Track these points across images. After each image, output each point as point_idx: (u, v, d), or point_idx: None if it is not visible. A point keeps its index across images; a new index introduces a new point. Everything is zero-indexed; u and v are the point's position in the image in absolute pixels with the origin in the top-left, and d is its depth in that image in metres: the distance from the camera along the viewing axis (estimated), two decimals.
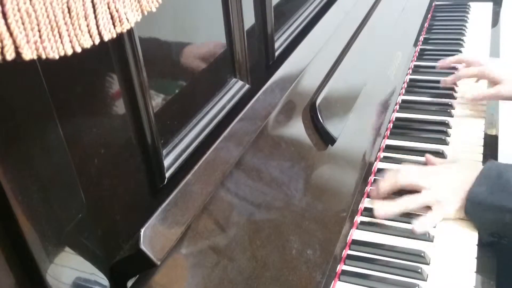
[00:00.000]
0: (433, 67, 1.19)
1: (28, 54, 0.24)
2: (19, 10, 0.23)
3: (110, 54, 0.42)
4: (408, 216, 0.77)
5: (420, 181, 0.78)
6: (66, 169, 0.37)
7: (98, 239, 0.42)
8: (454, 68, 1.09)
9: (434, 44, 1.30)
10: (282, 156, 0.66)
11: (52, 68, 0.34)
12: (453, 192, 0.76)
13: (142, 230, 0.43)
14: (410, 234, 0.75)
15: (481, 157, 0.89)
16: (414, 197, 0.77)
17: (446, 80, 1.03)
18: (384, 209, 0.78)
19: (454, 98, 1.06)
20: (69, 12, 0.26)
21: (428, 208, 0.77)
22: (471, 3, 1.48)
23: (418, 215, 0.77)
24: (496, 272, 0.69)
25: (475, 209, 0.73)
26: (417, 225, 0.75)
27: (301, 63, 0.75)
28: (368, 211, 0.79)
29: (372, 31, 1.01)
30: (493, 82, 0.96)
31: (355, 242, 0.74)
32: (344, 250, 0.72)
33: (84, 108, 0.40)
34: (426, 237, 0.74)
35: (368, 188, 0.84)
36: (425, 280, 0.68)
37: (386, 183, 0.80)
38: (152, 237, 0.44)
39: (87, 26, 0.27)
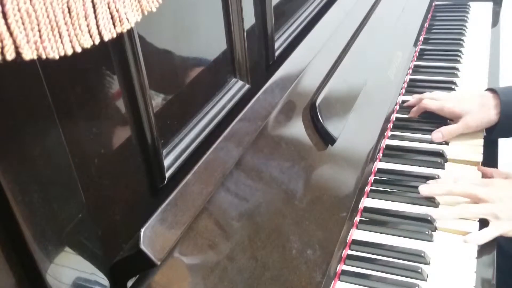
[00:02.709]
0: (433, 67, 1.19)
1: (28, 54, 0.24)
2: (19, 10, 0.23)
3: (110, 54, 0.42)
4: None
5: (479, 193, 0.76)
6: (66, 169, 0.37)
7: (98, 239, 0.42)
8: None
9: (434, 44, 1.30)
10: (282, 156, 0.66)
11: (52, 68, 0.34)
12: None
13: (142, 230, 0.43)
14: (410, 234, 0.75)
15: (481, 158, 0.89)
16: (472, 207, 0.76)
17: (412, 111, 1.02)
18: (439, 213, 0.77)
19: None
20: (69, 12, 0.26)
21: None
22: (471, 3, 1.48)
23: None
24: (496, 272, 0.69)
25: None
26: (474, 236, 0.73)
27: (301, 63, 0.75)
28: (368, 211, 0.79)
29: (372, 31, 1.01)
30: (455, 117, 0.96)
31: (355, 242, 0.74)
32: (344, 250, 0.72)
33: (84, 108, 0.40)
34: (426, 237, 0.74)
35: (368, 188, 0.84)
36: (425, 280, 0.68)
37: (442, 188, 0.80)
38: (152, 237, 0.44)
39: (87, 26, 0.27)
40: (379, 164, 0.90)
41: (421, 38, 1.32)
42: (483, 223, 0.75)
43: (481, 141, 0.94)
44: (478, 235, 0.73)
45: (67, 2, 0.26)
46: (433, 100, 0.99)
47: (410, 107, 1.04)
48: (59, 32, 0.25)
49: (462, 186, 0.79)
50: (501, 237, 0.75)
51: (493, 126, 0.93)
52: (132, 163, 0.47)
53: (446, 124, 0.98)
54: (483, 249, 0.72)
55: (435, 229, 0.75)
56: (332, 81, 0.80)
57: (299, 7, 0.86)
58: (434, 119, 1.00)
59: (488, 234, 0.73)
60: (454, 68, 1.17)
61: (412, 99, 1.04)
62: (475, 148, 0.92)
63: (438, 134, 0.94)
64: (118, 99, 0.44)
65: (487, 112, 0.92)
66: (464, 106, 0.94)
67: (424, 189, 0.80)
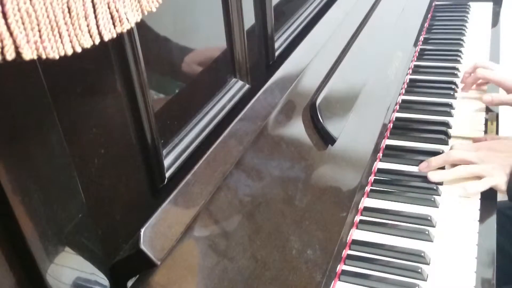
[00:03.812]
0: (433, 67, 1.19)
1: (28, 54, 0.24)
2: (19, 10, 0.23)
3: (110, 54, 0.42)
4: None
5: (472, 156, 0.84)
6: (66, 169, 0.37)
7: (98, 239, 0.42)
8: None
9: (434, 44, 1.30)
10: (282, 156, 0.66)
11: (52, 68, 0.34)
12: (503, 167, 0.82)
13: (142, 230, 0.43)
14: (410, 234, 0.75)
15: None
16: (467, 167, 0.84)
17: (467, 83, 1.07)
18: (437, 175, 0.84)
19: (454, 98, 1.07)
20: (69, 12, 0.26)
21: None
22: (471, 3, 1.48)
23: None
24: (497, 272, 0.69)
25: None
26: (470, 185, 0.81)
27: (301, 63, 0.75)
28: (368, 211, 0.79)
29: (372, 31, 1.01)
30: (507, 90, 0.99)
31: (355, 242, 0.74)
32: (344, 250, 0.72)
33: (84, 108, 0.40)
34: (426, 237, 0.74)
35: (368, 188, 0.84)
36: (425, 280, 0.68)
37: (438, 159, 0.86)
38: (152, 237, 0.44)
39: (87, 26, 0.27)
40: (379, 164, 0.90)
41: (421, 38, 1.32)
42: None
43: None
44: (474, 184, 0.82)
45: (67, 2, 0.26)
46: (492, 71, 1.02)
47: (467, 80, 1.06)
48: (59, 32, 0.25)
49: (455, 153, 0.86)
50: (501, 236, 0.76)
51: None
52: (132, 163, 0.47)
53: (446, 124, 0.98)
54: (483, 249, 0.72)
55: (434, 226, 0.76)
56: (332, 81, 0.80)
57: (299, 7, 0.86)
58: (434, 120, 1.00)
59: (482, 184, 0.81)
60: (454, 68, 1.17)
61: (466, 73, 1.07)
62: None
63: (489, 97, 0.98)
64: (118, 99, 0.44)
65: None
66: None
67: (423, 165, 0.87)
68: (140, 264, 0.44)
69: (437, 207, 0.80)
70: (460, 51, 1.24)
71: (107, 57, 0.42)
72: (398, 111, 1.04)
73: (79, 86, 0.39)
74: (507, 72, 1.01)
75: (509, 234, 0.91)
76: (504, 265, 0.84)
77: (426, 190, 0.83)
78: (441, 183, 0.84)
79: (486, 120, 1.00)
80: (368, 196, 0.83)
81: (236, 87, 0.64)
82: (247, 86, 0.65)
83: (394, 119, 1.02)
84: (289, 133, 0.70)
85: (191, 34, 0.56)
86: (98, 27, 0.28)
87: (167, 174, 0.50)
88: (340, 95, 0.84)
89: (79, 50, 0.27)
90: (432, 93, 1.09)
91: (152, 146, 0.48)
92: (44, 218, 0.35)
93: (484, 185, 0.81)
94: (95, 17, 0.28)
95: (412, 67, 1.20)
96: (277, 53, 0.74)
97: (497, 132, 0.98)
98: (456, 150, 0.87)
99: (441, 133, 0.96)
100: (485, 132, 0.97)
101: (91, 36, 0.27)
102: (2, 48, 0.23)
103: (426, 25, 1.38)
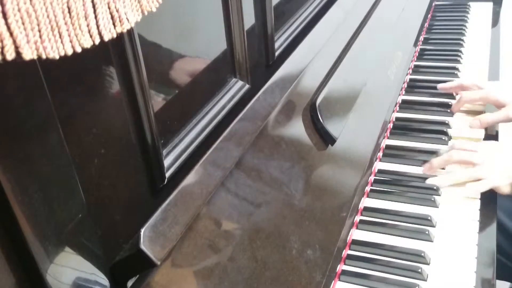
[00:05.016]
0: (433, 67, 1.19)
1: (28, 54, 0.24)
2: (19, 10, 0.23)
3: (110, 54, 0.42)
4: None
5: (473, 157, 0.83)
6: (66, 169, 0.37)
7: (98, 239, 0.42)
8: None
9: (434, 44, 1.30)
10: (282, 156, 0.66)
11: (52, 68, 0.34)
12: (504, 169, 0.81)
13: (142, 230, 0.43)
14: (410, 234, 0.75)
15: None
16: (466, 171, 0.83)
17: (454, 107, 1.04)
18: (438, 181, 0.84)
19: (454, 98, 1.06)
20: (69, 12, 0.26)
21: None
22: (471, 3, 1.48)
23: None
24: (497, 272, 0.69)
25: None
26: (470, 187, 0.81)
27: (301, 63, 0.75)
28: (368, 211, 0.79)
29: (372, 31, 1.01)
30: (498, 106, 0.96)
31: (355, 242, 0.74)
32: (344, 250, 0.72)
33: (84, 108, 0.40)
34: (426, 237, 0.74)
35: (368, 188, 0.84)
36: (425, 280, 0.68)
37: (439, 160, 0.86)
38: (152, 237, 0.44)
39: (87, 26, 0.27)
40: (379, 164, 0.90)
41: (421, 38, 1.32)
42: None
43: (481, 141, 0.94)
44: (474, 186, 0.81)
45: (67, 2, 0.26)
46: (473, 91, 1.00)
47: (445, 91, 1.05)
48: (59, 32, 0.25)
49: (456, 155, 0.85)
50: (503, 215, 0.76)
51: None
52: (132, 163, 0.47)
53: (446, 124, 0.98)
54: (483, 249, 0.72)
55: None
56: (332, 81, 0.80)
57: (299, 7, 0.86)
58: (434, 120, 1.00)
59: (482, 185, 0.81)
60: (454, 68, 1.17)
61: (450, 84, 1.06)
62: None
63: (476, 121, 0.96)
64: (118, 99, 0.44)
65: None
66: (508, 95, 0.95)
67: (426, 167, 0.87)
68: (140, 264, 0.44)
69: (437, 207, 0.80)
70: (460, 51, 1.24)
71: (107, 57, 0.42)
72: (398, 111, 1.04)
73: (79, 86, 0.39)
74: (496, 87, 0.98)
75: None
76: (502, 241, 0.85)
77: (426, 190, 0.83)
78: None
79: None
80: (368, 196, 0.83)
81: (236, 87, 0.64)
82: (247, 86, 0.65)
83: (394, 119, 1.02)
84: (289, 133, 0.70)
85: (191, 34, 0.56)
86: (98, 27, 0.28)
87: (167, 174, 0.50)
88: (340, 95, 0.84)
89: (79, 50, 0.27)
90: (432, 93, 1.09)
91: (152, 146, 0.48)
92: (44, 218, 0.35)
93: (484, 186, 0.81)
94: (95, 17, 0.28)
95: (412, 67, 1.20)
96: (277, 53, 0.74)
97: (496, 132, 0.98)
98: (457, 151, 0.85)
99: (441, 133, 0.96)
100: (486, 132, 0.97)
101: (91, 36, 0.27)
102: (2, 48, 0.23)
103: (426, 25, 1.38)
